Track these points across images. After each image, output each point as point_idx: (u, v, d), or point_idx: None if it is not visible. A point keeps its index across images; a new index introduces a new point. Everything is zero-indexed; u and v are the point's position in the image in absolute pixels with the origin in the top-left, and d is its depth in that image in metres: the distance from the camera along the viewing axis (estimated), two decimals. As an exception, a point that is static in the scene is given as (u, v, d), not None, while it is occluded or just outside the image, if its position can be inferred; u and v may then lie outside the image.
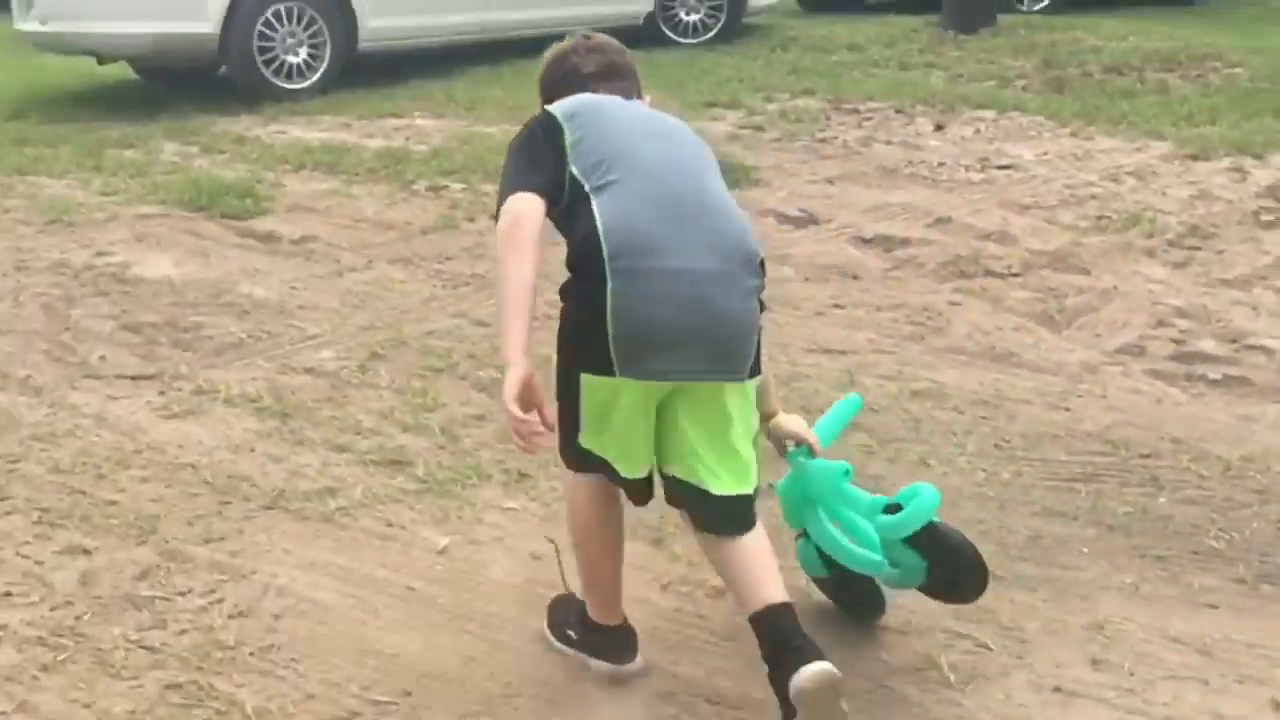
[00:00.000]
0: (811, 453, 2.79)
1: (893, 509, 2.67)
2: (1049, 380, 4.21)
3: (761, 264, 2.56)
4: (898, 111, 7.94)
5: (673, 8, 10.57)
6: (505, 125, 7.82)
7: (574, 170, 2.51)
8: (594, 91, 2.73)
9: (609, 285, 2.40)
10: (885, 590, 2.84)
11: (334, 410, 4.09)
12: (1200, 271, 5.19)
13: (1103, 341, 4.54)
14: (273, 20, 8.67)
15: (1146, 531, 3.29)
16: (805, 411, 3.19)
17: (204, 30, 8.49)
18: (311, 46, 8.86)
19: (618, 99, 2.71)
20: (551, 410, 2.50)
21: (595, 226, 2.44)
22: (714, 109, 8.06)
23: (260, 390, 4.24)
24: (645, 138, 2.59)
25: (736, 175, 6.53)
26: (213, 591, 3.11)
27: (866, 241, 5.57)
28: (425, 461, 3.75)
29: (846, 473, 2.77)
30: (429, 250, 5.58)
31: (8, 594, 3.10)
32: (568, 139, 2.54)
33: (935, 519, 2.65)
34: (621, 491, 2.68)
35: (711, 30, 10.62)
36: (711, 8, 10.64)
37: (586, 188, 2.49)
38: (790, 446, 2.81)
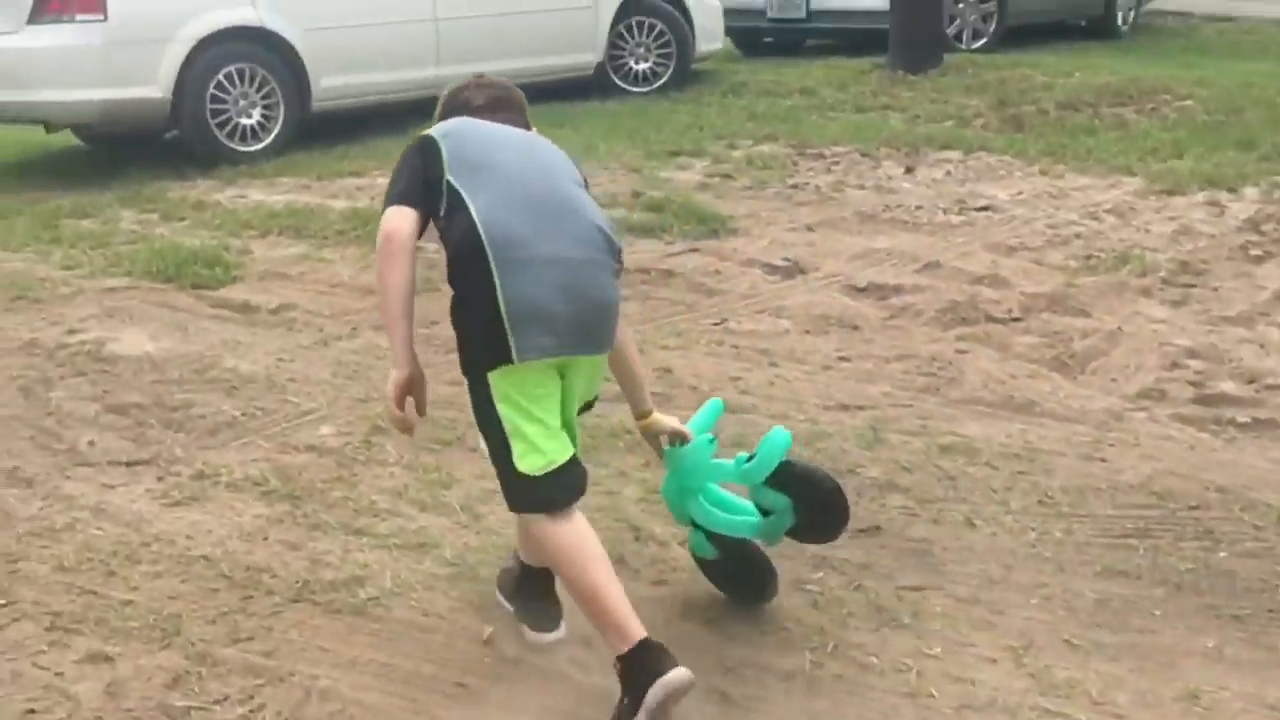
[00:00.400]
0: (684, 445, 3.10)
1: (752, 459, 2.98)
2: (1077, 430, 4.15)
3: (619, 251, 2.88)
4: (863, 155, 7.92)
5: (622, 57, 10.51)
6: (471, 182, 7.71)
7: (450, 179, 2.79)
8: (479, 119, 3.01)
9: (494, 273, 2.70)
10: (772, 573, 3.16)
11: (345, 491, 3.93)
12: (1200, 310, 5.19)
13: (1120, 386, 4.50)
14: (224, 82, 8.47)
15: (1215, 589, 3.23)
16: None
17: (155, 95, 8.26)
18: (265, 108, 8.67)
19: (484, 122, 2.98)
20: (426, 399, 2.88)
21: (474, 225, 2.73)
22: (679, 157, 7.99)
23: (264, 472, 4.08)
24: (511, 149, 2.90)
25: (714, 225, 6.48)
26: (251, 698, 2.94)
27: (860, 290, 5.51)
28: (451, 543, 3.60)
29: (711, 442, 3.09)
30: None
31: (30, 711, 2.92)
32: (444, 154, 2.82)
33: (790, 459, 2.96)
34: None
35: (661, 78, 10.58)
36: (660, 56, 10.61)
37: (463, 194, 2.76)
38: (666, 444, 3.15)
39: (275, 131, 8.64)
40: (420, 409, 2.89)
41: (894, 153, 7.93)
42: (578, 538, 2.78)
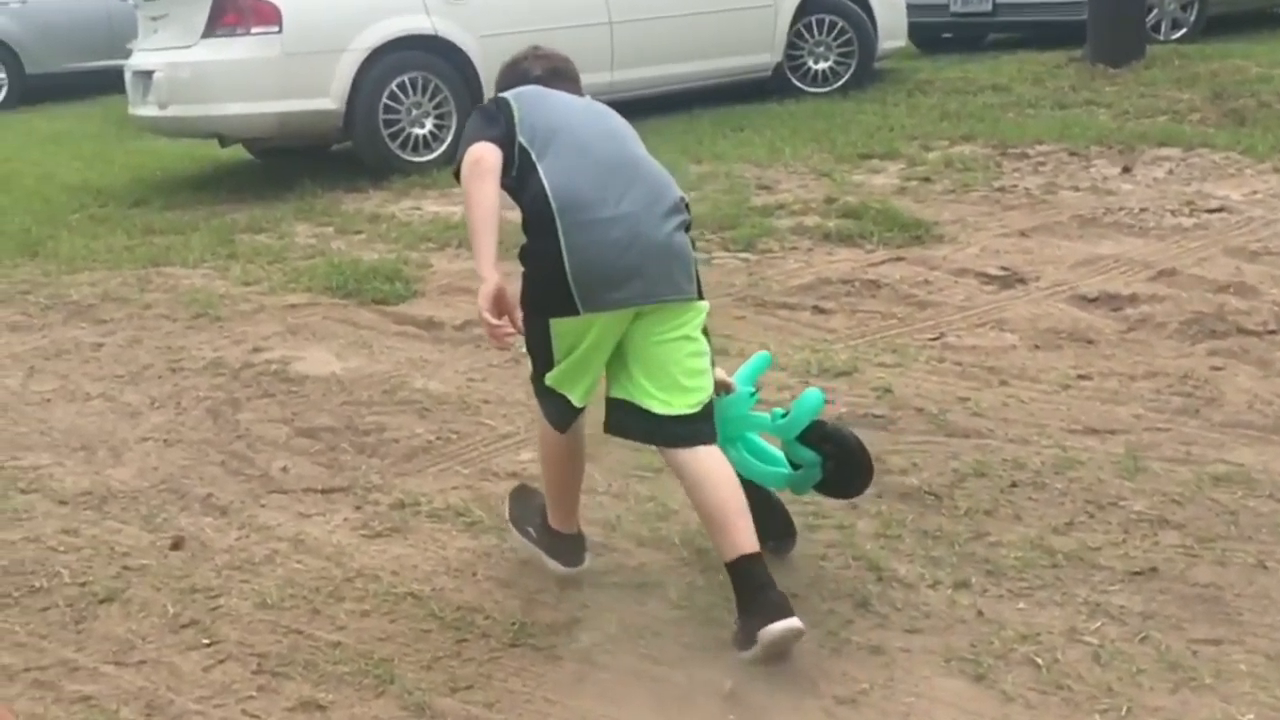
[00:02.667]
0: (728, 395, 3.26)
1: (786, 415, 3.18)
2: (1369, 457, 3.69)
3: (686, 205, 3.05)
4: (1072, 154, 7.41)
5: (800, 57, 10.14)
6: (652, 189, 7.43)
7: (522, 141, 2.96)
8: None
9: (561, 237, 2.87)
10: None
11: (554, 523, 3.65)
12: None
13: None
14: (397, 92, 8.35)
15: None
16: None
17: (329, 107, 8.17)
18: (437, 117, 8.53)
19: (556, 90, 3.14)
20: (519, 316, 2.99)
21: (544, 188, 2.90)
22: (870, 160, 7.59)
23: (466, 501, 3.83)
24: (580, 115, 3.07)
25: (917, 232, 6.08)
26: (478, 757, 2.68)
27: (1090, 301, 5.06)
28: (676, 583, 3.30)
29: (753, 395, 3.29)
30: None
31: (245, 764, 2.70)
32: (516, 115, 2.99)
33: (822, 419, 3.17)
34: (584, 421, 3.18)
35: (841, 78, 10.15)
36: (841, 54, 10.19)
37: (533, 156, 2.93)
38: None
39: (448, 141, 8.46)
40: (516, 323, 2.99)
41: (1106, 151, 7.39)
42: (569, 453, 3.21)
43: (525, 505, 3.47)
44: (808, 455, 3.16)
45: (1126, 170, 6.94)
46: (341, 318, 5.62)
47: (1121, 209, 6.20)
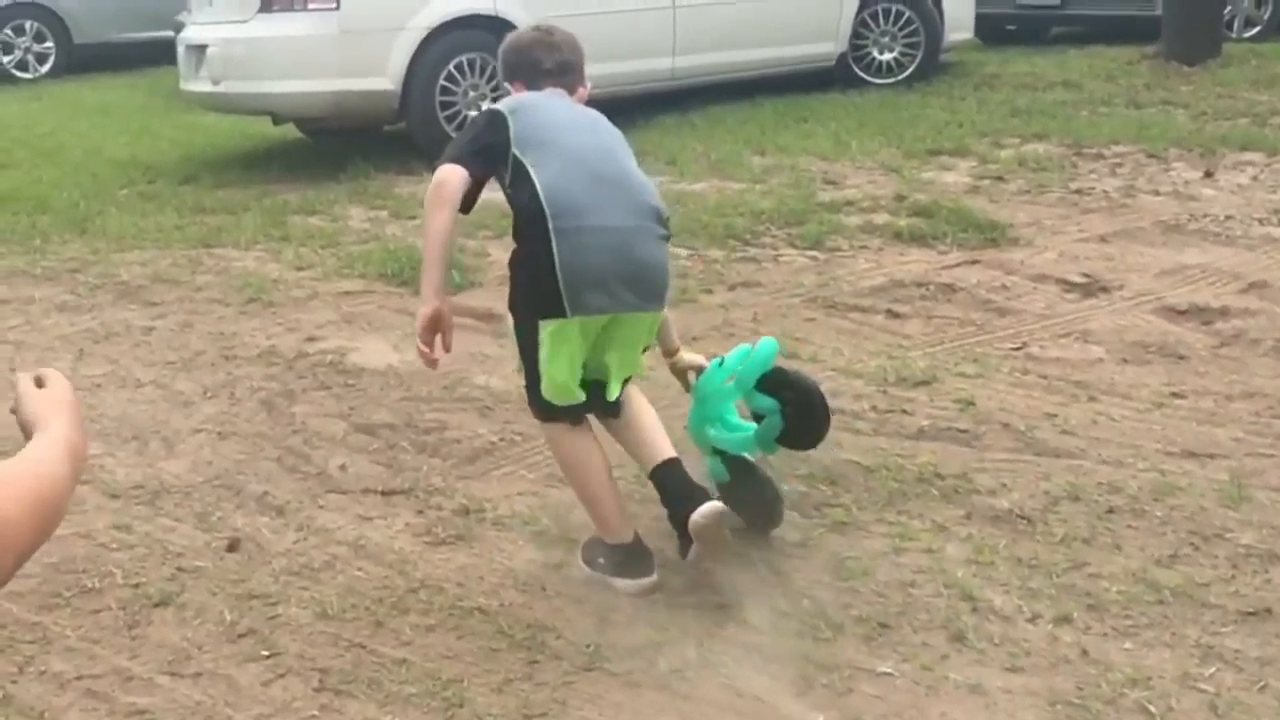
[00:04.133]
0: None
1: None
2: None
3: (667, 220, 3.22)
4: (1150, 155, 7.18)
5: (865, 47, 9.92)
6: (714, 181, 7.25)
7: (516, 153, 3.09)
8: (545, 81, 3.32)
9: (553, 241, 3.01)
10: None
11: (627, 535, 3.49)
12: None
13: None
14: (454, 73, 8.18)
15: None
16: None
17: (385, 87, 8.01)
18: (494, 99, 8.33)
19: (553, 99, 3.28)
20: (451, 337, 3.20)
21: (537, 193, 3.04)
22: (940, 157, 7.38)
23: (533, 509, 3.67)
24: (572, 127, 3.20)
25: (992, 234, 5.88)
26: (556, 792, 2.52)
27: (1179, 313, 4.85)
28: (756, 606, 3.13)
29: (721, 365, 3.42)
30: (672, 329, 4.99)
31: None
32: (512, 130, 3.12)
33: (781, 365, 3.36)
34: (593, 421, 3.31)
35: (906, 69, 9.92)
36: (906, 45, 9.96)
37: (527, 165, 3.07)
38: (693, 378, 3.52)
39: (505, 125, 8.27)
40: (446, 346, 3.20)
41: (1185, 154, 7.16)
42: (585, 453, 3.24)
43: (594, 546, 3.35)
44: (767, 403, 3.32)
45: (1209, 175, 6.70)
46: (398, 307, 5.47)
47: (1206, 215, 5.98)
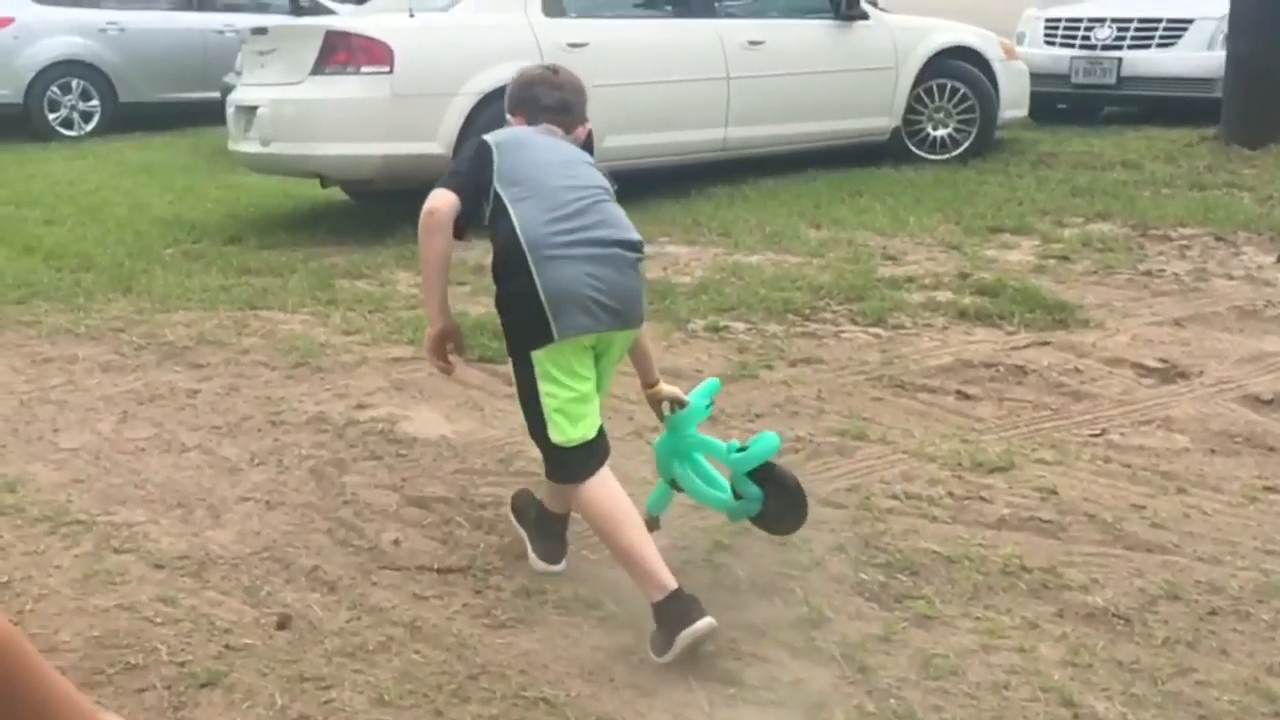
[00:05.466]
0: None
1: (743, 450, 3.40)
2: None
3: (640, 245, 3.31)
4: (1218, 239, 7.01)
5: (919, 122, 9.82)
6: (769, 254, 7.11)
7: (497, 188, 3.22)
8: (544, 117, 3.45)
9: (533, 271, 3.15)
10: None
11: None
12: None
13: None
14: (506, 140, 8.07)
15: None
16: None
17: (436, 151, 7.90)
18: (546, 167, 8.25)
19: (541, 136, 3.40)
20: (463, 343, 3.58)
21: (514, 228, 3.17)
22: (1001, 235, 7.23)
23: (596, 592, 3.48)
24: (552, 165, 3.30)
25: (1060, 315, 5.70)
26: None
27: (1265, 403, 4.65)
28: (843, 706, 2.93)
29: (707, 408, 3.56)
30: (732, 406, 4.80)
31: None
32: (495, 163, 3.25)
33: (772, 461, 3.39)
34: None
35: (961, 145, 9.82)
36: (961, 121, 9.85)
37: (506, 202, 3.20)
38: (668, 410, 3.58)
39: (555, 193, 8.17)
40: (458, 351, 3.50)
41: (1255, 238, 6.98)
42: (610, 504, 3.23)
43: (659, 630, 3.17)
44: (753, 490, 3.41)
45: (1280, 260, 6.54)
46: (450, 376, 5.30)
47: (1281, 302, 5.80)
